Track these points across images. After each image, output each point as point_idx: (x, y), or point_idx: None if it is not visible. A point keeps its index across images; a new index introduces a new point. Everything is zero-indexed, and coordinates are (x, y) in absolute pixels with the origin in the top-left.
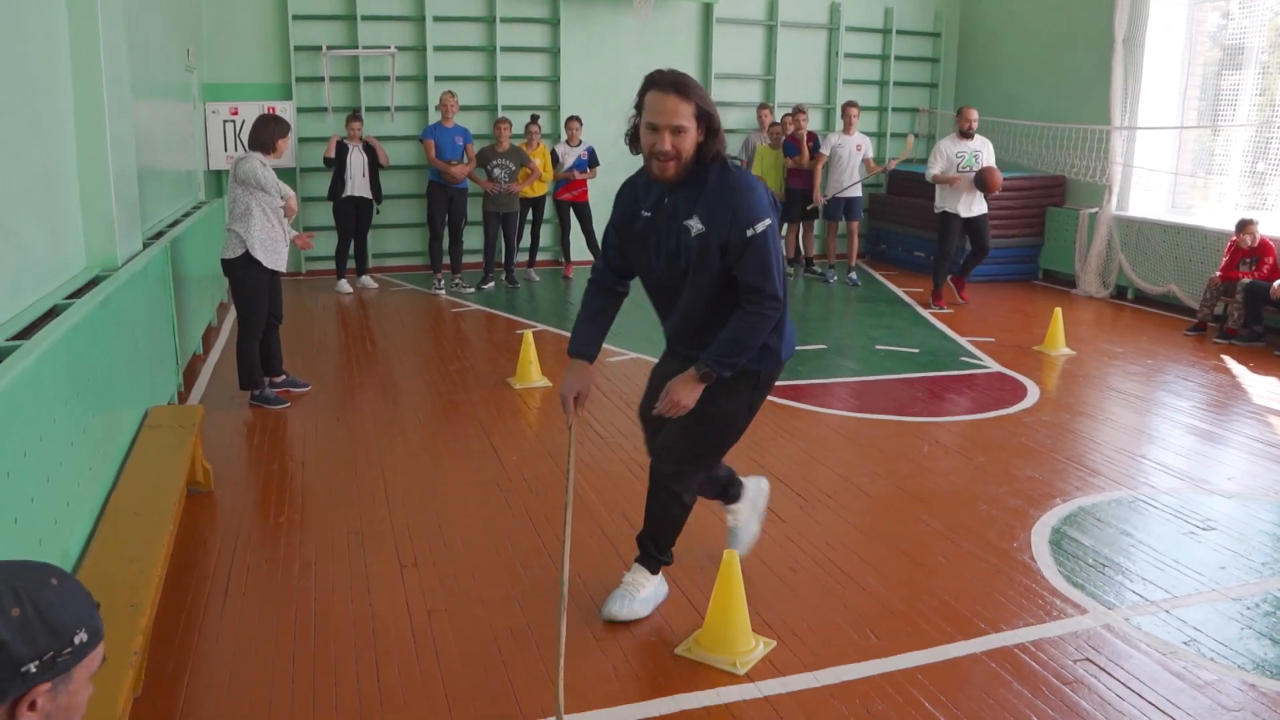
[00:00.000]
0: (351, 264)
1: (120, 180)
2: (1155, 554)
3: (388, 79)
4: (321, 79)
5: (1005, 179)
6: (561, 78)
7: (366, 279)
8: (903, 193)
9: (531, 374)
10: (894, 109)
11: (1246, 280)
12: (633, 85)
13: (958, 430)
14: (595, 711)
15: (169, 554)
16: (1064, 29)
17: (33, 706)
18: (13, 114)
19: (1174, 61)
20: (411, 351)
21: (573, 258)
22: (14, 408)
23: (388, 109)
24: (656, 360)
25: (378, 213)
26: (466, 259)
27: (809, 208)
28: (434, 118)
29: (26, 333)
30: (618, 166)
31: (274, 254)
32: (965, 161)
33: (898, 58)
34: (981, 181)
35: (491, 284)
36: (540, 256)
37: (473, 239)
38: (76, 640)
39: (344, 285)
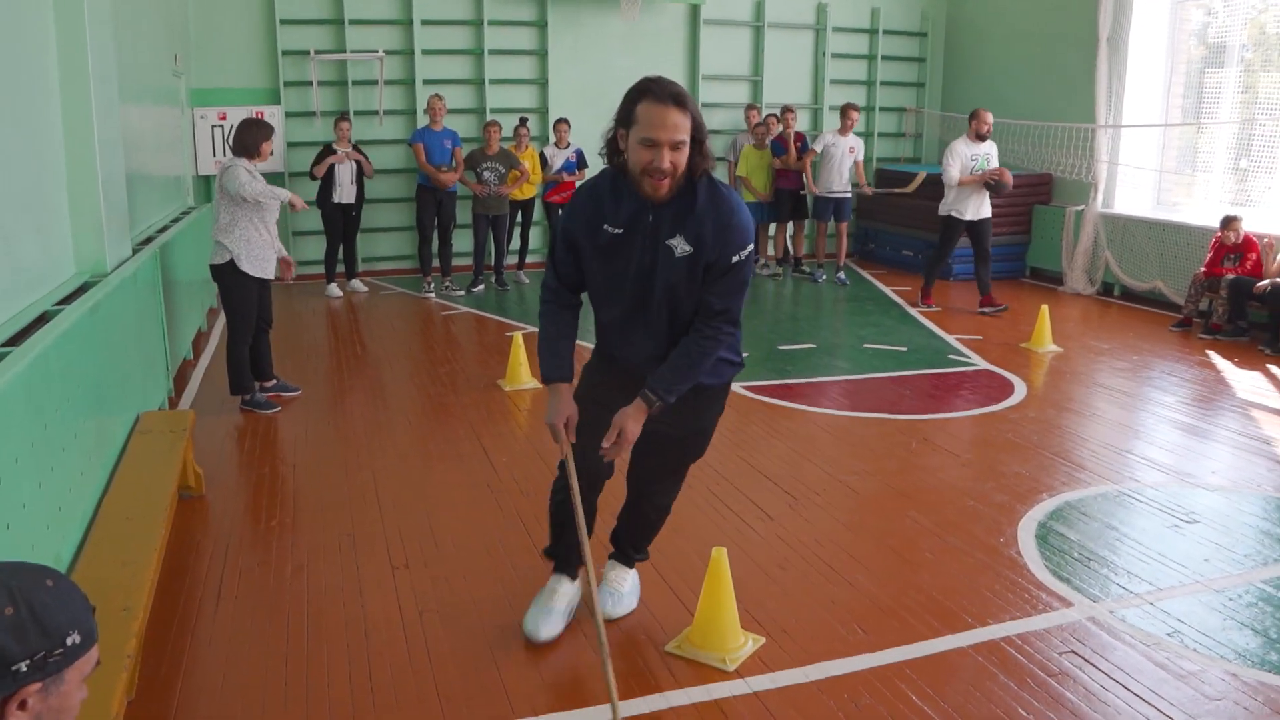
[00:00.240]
0: (341, 268)
1: (109, 186)
2: (1140, 547)
3: (376, 83)
4: (310, 83)
5: None
6: (549, 80)
7: (356, 283)
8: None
9: (521, 376)
10: (881, 109)
11: (1230, 276)
12: (621, 87)
13: (945, 427)
14: (587, 709)
15: (161, 558)
16: (1049, 28)
17: (23, 706)
18: (1, 119)
19: (1158, 60)
20: (401, 355)
21: None
22: (5, 414)
23: (376, 113)
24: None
25: (354, 215)
26: (456, 262)
27: (801, 192)
28: (422, 121)
29: (17, 339)
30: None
31: (261, 263)
32: (978, 165)
33: (884, 58)
34: (999, 186)
35: (481, 286)
36: (529, 259)
37: (461, 242)
38: (69, 641)
39: (334, 289)
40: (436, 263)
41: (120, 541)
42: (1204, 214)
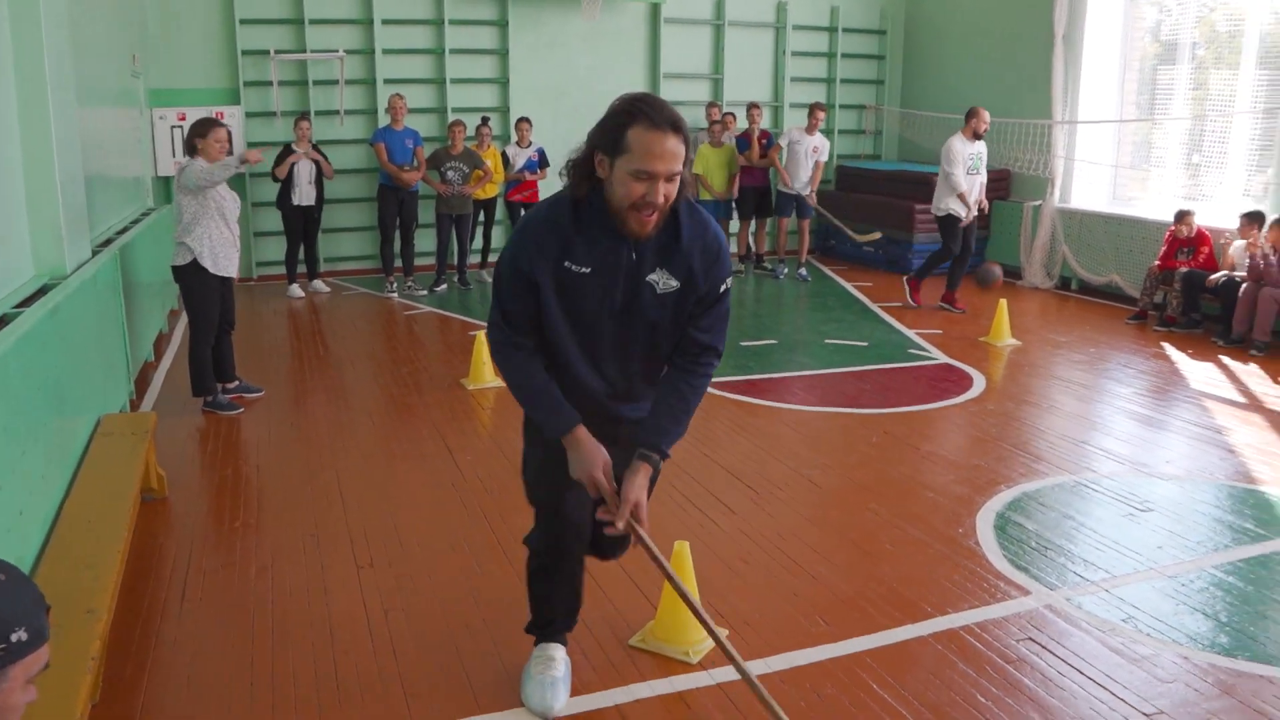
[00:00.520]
0: (303, 268)
1: (67, 187)
2: (1096, 536)
3: (336, 83)
4: (270, 83)
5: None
6: (510, 79)
7: (318, 283)
8: (851, 188)
9: (485, 375)
10: (841, 106)
11: (1184, 269)
12: (582, 86)
13: (906, 421)
14: None
15: (124, 560)
16: (1006, 26)
17: None
18: None
19: (1112, 57)
20: (364, 355)
21: None
22: None
23: (337, 113)
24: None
25: (314, 216)
26: (418, 261)
27: (765, 189)
28: (383, 121)
29: None
30: None
31: (224, 261)
32: (973, 165)
33: (844, 55)
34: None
35: (444, 286)
36: (492, 258)
37: (424, 241)
38: (13, 638)
39: (295, 290)
40: (399, 263)
41: (83, 544)
42: (1158, 208)
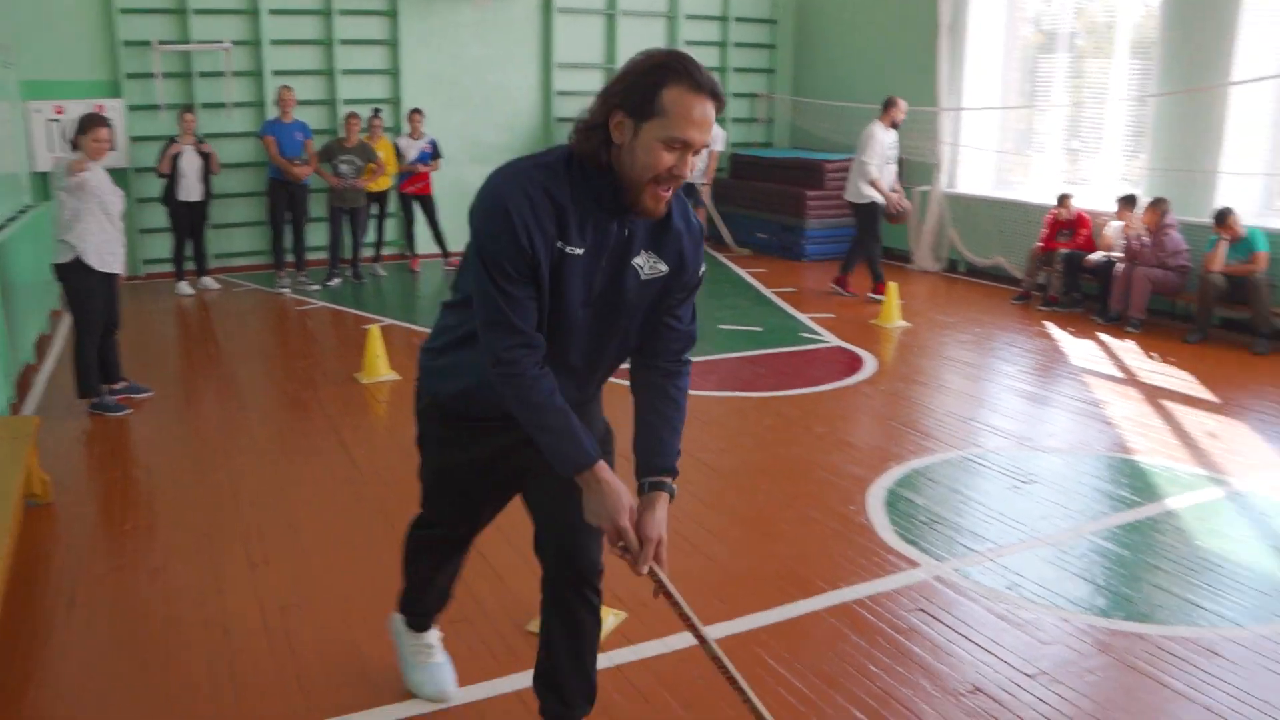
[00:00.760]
0: (191, 265)
1: None
2: (982, 508)
3: (223, 74)
4: (152, 75)
5: (839, 160)
6: (401, 70)
7: (207, 280)
8: (745, 176)
9: (379, 369)
10: (734, 94)
11: (1065, 251)
12: (474, 76)
13: (799, 403)
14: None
15: (8, 568)
16: (893, 15)
17: None
18: None
19: (995, 46)
20: (256, 352)
21: (418, 251)
22: None
23: (224, 105)
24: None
25: (201, 213)
26: (309, 256)
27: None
28: (272, 113)
29: None
30: (460, 158)
31: (108, 258)
32: (890, 154)
33: (736, 45)
34: (900, 217)
35: (338, 280)
36: (385, 250)
37: (316, 235)
38: None
39: (184, 287)
40: (291, 257)
41: None
42: (1040, 192)
